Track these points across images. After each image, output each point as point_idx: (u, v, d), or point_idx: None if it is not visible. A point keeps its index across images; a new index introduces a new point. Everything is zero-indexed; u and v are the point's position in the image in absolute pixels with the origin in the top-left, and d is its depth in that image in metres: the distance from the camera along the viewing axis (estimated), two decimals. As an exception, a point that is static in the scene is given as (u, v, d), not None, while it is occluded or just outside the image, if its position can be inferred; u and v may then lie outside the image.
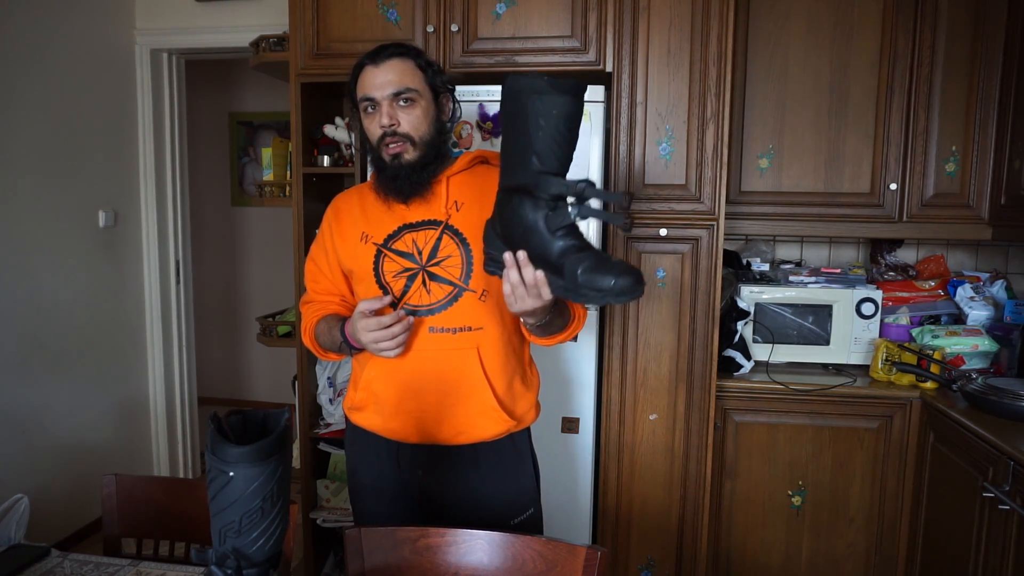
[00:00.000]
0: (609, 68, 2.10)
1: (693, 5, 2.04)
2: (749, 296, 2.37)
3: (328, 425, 2.41)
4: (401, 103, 1.34)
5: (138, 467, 3.20)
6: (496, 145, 2.11)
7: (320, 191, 2.43)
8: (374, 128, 1.36)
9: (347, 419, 1.53)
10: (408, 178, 1.36)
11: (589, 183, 1.10)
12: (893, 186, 2.29)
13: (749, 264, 2.55)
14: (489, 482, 1.44)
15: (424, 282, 1.37)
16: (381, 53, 1.36)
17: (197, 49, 3.14)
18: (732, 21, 2.03)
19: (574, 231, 1.14)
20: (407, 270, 1.38)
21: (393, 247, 1.39)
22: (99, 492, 1.46)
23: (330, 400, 2.41)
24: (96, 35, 2.90)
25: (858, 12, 2.26)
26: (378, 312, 1.33)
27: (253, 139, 4.53)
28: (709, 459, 2.17)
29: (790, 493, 2.26)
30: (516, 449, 1.47)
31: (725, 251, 2.41)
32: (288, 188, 2.65)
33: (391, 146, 1.35)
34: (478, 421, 1.40)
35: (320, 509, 2.41)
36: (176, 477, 3.32)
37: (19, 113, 2.58)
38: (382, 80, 1.34)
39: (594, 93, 2.07)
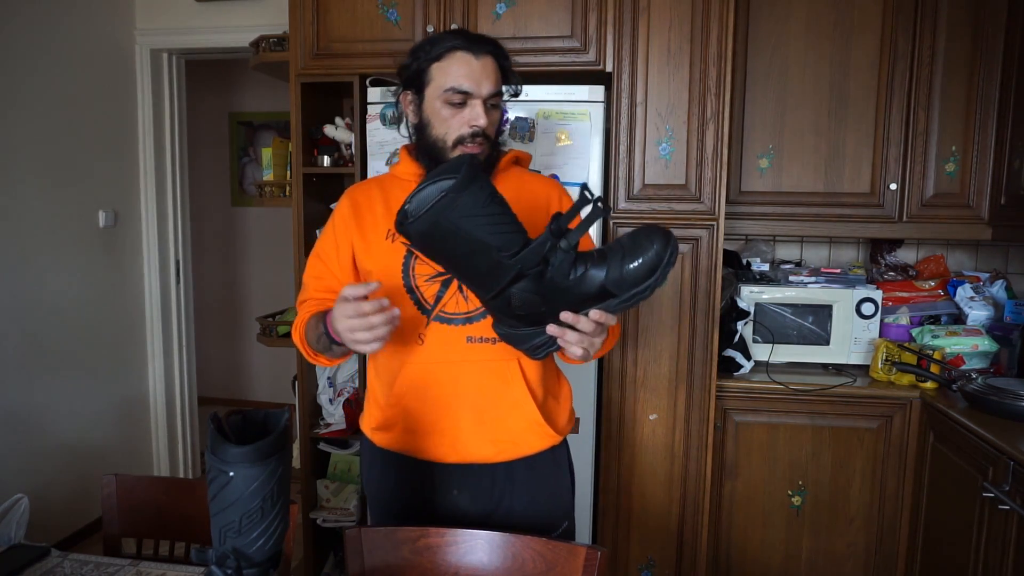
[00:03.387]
0: (609, 68, 2.10)
1: (693, 5, 2.04)
2: (749, 296, 2.37)
3: (328, 425, 2.41)
4: (490, 105, 1.26)
5: (138, 467, 3.20)
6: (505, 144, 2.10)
7: (320, 191, 2.43)
8: (456, 122, 1.25)
9: (367, 441, 1.40)
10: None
11: (553, 217, 1.04)
12: (893, 186, 2.30)
13: (749, 264, 2.55)
14: (528, 501, 1.35)
15: (460, 288, 1.26)
16: (480, 44, 1.25)
17: (197, 49, 3.14)
18: (732, 21, 2.04)
19: (577, 256, 1.08)
20: (441, 274, 1.26)
21: None
22: (99, 492, 1.46)
23: (330, 400, 2.42)
24: (96, 35, 2.90)
25: (858, 12, 2.26)
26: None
27: (253, 139, 4.53)
28: (709, 459, 2.17)
29: (790, 493, 2.26)
30: (556, 463, 1.39)
31: (725, 251, 2.41)
32: (288, 188, 2.65)
33: (470, 146, 1.25)
34: (521, 437, 1.32)
35: (320, 509, 2.41)
36: (176, 477, 3.32)
37: (19, 113, 2.57)
38: (482, 76, 1.24)
39: (594, 93, 2.07)
